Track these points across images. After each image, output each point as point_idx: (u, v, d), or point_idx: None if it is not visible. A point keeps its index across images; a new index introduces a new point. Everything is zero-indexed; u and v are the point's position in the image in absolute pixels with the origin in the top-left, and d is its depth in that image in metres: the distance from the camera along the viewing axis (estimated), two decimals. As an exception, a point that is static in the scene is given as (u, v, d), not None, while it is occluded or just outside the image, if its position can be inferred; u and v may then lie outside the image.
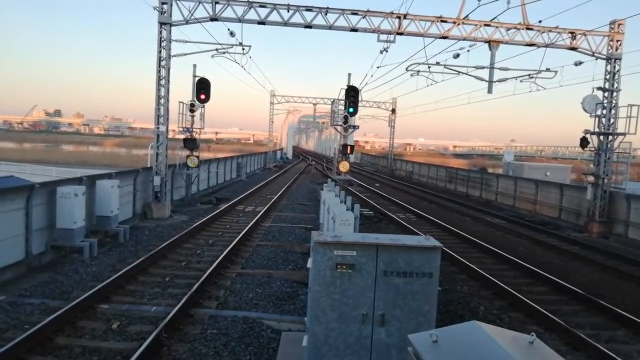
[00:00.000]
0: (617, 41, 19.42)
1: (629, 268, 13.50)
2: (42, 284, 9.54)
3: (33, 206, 10.89)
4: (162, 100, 18.20)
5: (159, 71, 18.07)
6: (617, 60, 19.49)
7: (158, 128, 18.33)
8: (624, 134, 19.15)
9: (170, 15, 17.95)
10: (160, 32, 17.93)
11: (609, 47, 19.47)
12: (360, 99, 26.80)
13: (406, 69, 21.10)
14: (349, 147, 23.58)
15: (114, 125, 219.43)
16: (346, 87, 22.12)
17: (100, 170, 24.50)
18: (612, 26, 19.50)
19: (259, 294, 9.62)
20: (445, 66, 20.53)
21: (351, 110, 21.93)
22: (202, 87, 20.17)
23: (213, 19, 18.08)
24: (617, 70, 19.51)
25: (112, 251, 12.52)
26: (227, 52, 20.18)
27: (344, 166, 23.40)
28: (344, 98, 22.51)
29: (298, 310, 8.76)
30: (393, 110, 54.21)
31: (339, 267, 5.01)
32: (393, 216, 20.52)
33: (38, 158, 55.88)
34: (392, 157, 57.52)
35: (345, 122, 22.76)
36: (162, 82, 18.13)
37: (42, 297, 8.85)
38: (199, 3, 17.92)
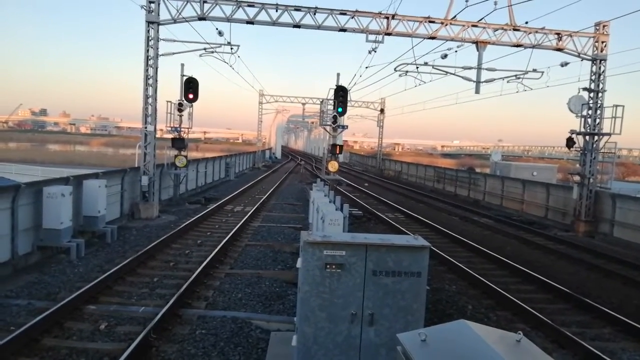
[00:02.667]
0: (602, 42, 19.64)
1: (614, 267, 13.68)
2: (28, 285, 9.45)
3: (19, 206, 10.78)
4: (149, 100, 18.09)
5: (147, 70, 17.95)
6: (602, 61, 19.71)
7: (146, 127, 18.22)
8: (609, 134, 19.38)
9: (158, 14, 17.85)
10: (148, 31, 17.82)
11: (595, 49, 19.70)
12: (349, 98, 26.81)
13: (394, 69, 21.18)
14: (337, 146, 23.59)
15: (101, 124, 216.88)
16: (335, 87, 22.15)
17: (87, 170, 24.26)
18: (598, 27, 19.71)
19: (248, 294, 9.61)
20: (433, 66, 20.63)
21: (340, 110, 21.95)
22: (190, 87, 20.09)
23: (201, 18, 18.00)
24: (603, 71, 19.73)
25: (99, 251, 12.42)
26: (216, 52, 20.19)
27: (333, 166, 23.42)
28: (333, 98, 22.54)
29: (287, 310, 8.76)
30: (382, 110, 54.32)
31: (328, 266, 5.02)
32: (382, 216, 20.59)
33: (24, 158, 55.11)
34: (381, 156, 57.67)
35: (334, 122, 22.80)
36: (150, 81, 18.03)
37: (28, 298, 8.77)
38: (187, 2, 17.82)
